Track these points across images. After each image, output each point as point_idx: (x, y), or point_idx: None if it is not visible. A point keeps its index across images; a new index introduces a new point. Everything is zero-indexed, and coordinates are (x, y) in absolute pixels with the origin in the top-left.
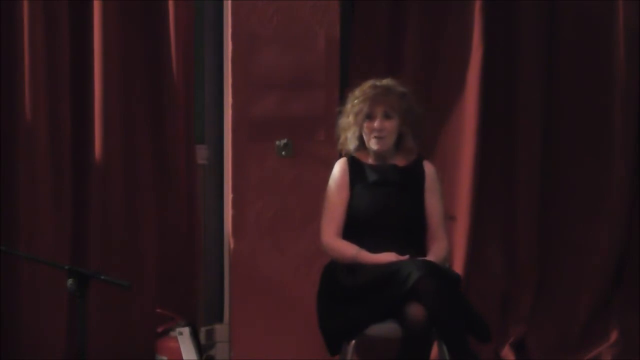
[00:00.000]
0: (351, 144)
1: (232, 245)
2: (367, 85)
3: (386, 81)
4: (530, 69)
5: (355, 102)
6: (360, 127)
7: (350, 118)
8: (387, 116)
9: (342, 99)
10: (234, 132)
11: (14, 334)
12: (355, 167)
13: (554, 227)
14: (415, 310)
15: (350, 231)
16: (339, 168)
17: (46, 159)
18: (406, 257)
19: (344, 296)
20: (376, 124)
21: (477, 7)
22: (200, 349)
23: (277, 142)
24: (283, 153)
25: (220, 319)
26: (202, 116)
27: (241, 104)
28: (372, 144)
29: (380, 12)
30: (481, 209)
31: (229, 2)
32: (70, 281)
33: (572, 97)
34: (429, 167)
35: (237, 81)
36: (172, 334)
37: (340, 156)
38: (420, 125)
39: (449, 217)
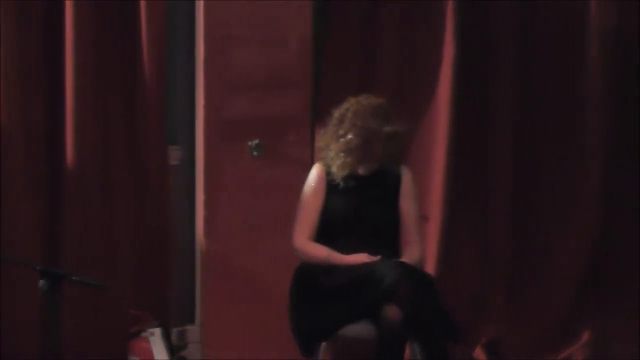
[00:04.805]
0: (334, 168)
1: (204, 246)
2: (366, 129)
3: (382, 115)
4: (504, 70)
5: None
6: None
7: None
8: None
9: (315, 99)
10: (206, 133)
11: None
12: (331, 172)
13: (527, 228)
14: (391, 312)
15: (324, 235)
16: (315, 173)
17: (20, 160)
18: (378, 257)
19: (318, 297)
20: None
21: (450, 7)
22: (172, 349)
23: (249, 143)
24: (255, 153)
25: (192, 320)
26: (174, 117)
27: (213, 104)
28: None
29: (354, 12)
30: (454, 209)
31: (201, 2)
32: (42, 282)
33: (546, 97)
34: (406, 172)
35: (209, 82)
36: (144, 334)
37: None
38: (404, 147)
39: (422, 218)
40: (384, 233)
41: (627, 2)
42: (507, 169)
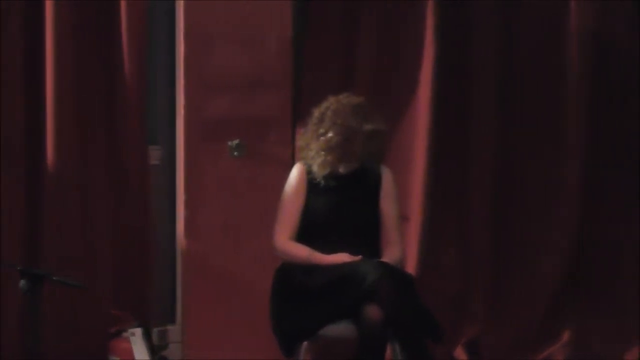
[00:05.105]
0: (314, 167)
1: (184, 246)
2: (346, 127)
3: (362, 114)
4: (484, 70)
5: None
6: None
7: (323, 155)
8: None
9: (295, 99)
10: (186, 133)
11: None
12: (311, 172)
13: (508, 228)
14: (372, 312)
15: (305, 234)
16: (296, 173)
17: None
18: (359, 257)
19: (300, 297)
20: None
21: (430, 6)
22: (153, 349)
23: (230, 143)
24: (235, 153)
25: (172, 320)
26: (154, 117)
27: (194, 104)
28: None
29: (334, 12)
30: (434, 209)
31: (182, 2)
32: (22, 282)
33: (526, 96)
34: (386, 172)
35: (189, 82)
36: (125, 334)
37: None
38: (384, 146)
39: (402, 218)
40: (364, 232)
41: (606, 3)
42: (487, 169)
